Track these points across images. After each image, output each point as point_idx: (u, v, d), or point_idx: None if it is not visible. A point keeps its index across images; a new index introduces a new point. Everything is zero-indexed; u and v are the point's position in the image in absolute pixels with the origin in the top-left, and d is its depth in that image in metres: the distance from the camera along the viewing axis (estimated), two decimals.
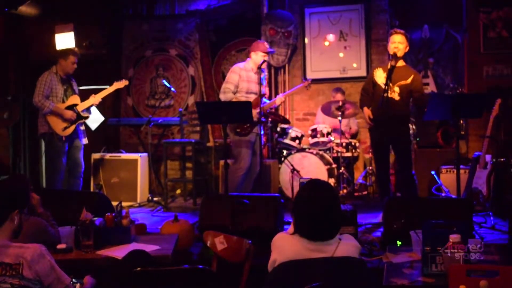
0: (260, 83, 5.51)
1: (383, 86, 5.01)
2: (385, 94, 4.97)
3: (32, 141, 7.59)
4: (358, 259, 2.37)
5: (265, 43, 5.76)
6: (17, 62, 7.69)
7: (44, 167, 7.02)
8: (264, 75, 5.83)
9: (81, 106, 5.79)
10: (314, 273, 2.23)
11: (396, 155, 5.30)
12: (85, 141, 5.92)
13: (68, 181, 5.81)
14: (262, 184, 5.75)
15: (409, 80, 5.03)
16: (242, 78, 5.60)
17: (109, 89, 6.03)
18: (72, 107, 5.75)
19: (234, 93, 5.59)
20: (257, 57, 5.60)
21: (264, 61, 5.76)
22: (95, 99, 5.86)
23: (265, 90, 5.79)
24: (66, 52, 5.83)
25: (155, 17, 8.00)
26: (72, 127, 5.70)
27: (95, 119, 6.83)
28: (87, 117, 5.87)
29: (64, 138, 5.67)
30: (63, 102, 5.74)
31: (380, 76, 5.11)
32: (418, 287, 2.54)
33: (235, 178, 5.53)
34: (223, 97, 5.64)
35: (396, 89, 5.02)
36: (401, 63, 5.12)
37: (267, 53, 5.63)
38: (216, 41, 7.85)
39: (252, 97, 5.56)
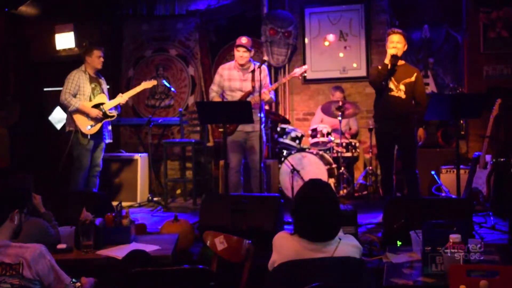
0: (251, 80, 5.52)
1: (389, 85, 5.04)
2: (390, 93, 5.00)
3: (32, 141, 7.59)
4: (358, 259, 2.37)
5: (241, 37, 5.57)
6: (17, 62, 7.70)
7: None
8: (267, 74, 5.77)
9: (108, 105, 5.76)
10: (314, 273, 2.23)
11: (401, 154, 5.27)
12: (109, 139, 5.93)
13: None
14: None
15: (413, 78, 5.04)
16: (224, 77, 5.61)
17: (136, 89, 6.03)
18: (98, 106, 5.72)
19: (220, 93, 5.64)
20: (236, 53, 5.59)
21: (265, 61, 5.76)
22: (122, 98, 5.84)
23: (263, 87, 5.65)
24: (90, 48, 5.79)
25: (155, 17, 8.00)
26: (98, 126, 5.69)
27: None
28: (113, 116, 5.83)
29: (89, 137, 5.66)
30: (90, 100, 5.72)
31: None
32: (418, 287, 2.54)
33: (228, 179, 5.46)
34: (209, 98, 5.73)
35: (402, 87, 5.02)
36: (401, 61, 5.12)
37: (239, 46, 5.49)
38: (216, 41, 7.85)
39: (236, 95, 5.56)
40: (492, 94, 5.91)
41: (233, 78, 5.60)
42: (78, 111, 5.63)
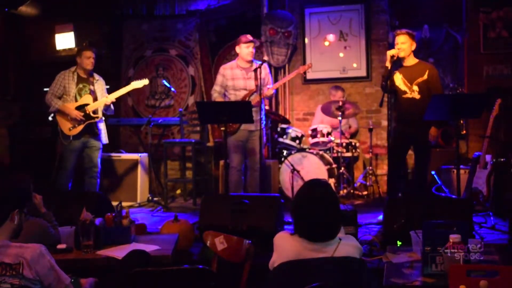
0: (254, 78, 5.52)
1: (402, 88, 5.04)
2: (404, 95, 4.98)
3: (31, 141, 7.58)
4: (358, 259, 2.37)
5: (246, 35, 5.62)
6: (17, 62, 7.70)
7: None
8: (268, 71, 5.79)
9: (92, 106, 5.67)
10: (314, 273, 2.23)
11: (415, 155, 5.24)
12: (105, 140, 5.84)
13: (84, 181, 5.77)
14: (262, 184, 5.75)
15: (425, 76, 5.02)
16: (226, 76, 5.61)
17: (126, 88, 5.90)
18: (83, 107, 5.66)
19: (223, 93, 5.64)
20: (241, 50, 5.59)
21: (265, 61, 5.77)
22: (108, 98, 5.73)
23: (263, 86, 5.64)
24: (80, 49, 5.80)
25: (155, 17, 8.00)
26: (80, 127, 5.61)
27: None
28: (97, 117, 5.69)
29: (71, 137, 5.61)
30: (76, 101, 5.67)
31: (397, 78, 5.10)
32: (418, 287, 2.54)
33: (229, 178, 5.47)
34: (212, 98, 5.73)
35: (415, 88, 5.01)
36: (413, 60, 5.12)
37: (249, 42, 5.52)
38: (216, 41, 7.85)
39: (241, 94, 5.57)
40: (492, 94, 5.91)
41: (237, 77, 5.60)
42: (59, 111, 5.61)
